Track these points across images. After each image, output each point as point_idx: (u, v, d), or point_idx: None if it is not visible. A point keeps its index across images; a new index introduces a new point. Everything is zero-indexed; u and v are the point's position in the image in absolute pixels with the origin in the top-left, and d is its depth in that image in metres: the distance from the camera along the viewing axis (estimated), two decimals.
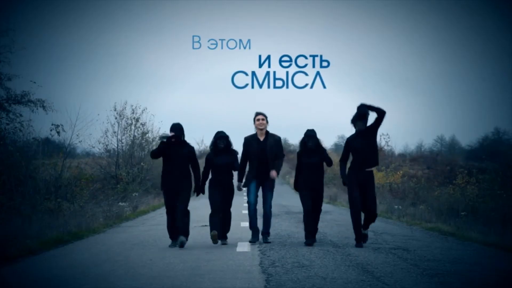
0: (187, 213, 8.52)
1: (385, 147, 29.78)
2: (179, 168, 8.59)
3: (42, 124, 20.26)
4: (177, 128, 8.66)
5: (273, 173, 8.64)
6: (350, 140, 8.74)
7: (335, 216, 14.64)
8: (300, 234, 9.70)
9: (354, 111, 8.72)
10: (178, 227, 8.42)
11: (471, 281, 5.79)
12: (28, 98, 15.58)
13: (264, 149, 8.75)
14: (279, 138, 9.00)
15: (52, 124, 14.90)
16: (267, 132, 8.92)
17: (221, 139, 8.76)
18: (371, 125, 8.66)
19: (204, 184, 8.84)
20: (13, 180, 12.98)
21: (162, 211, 18.10)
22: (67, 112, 17.40)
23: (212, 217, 8.59)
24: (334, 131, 64.93)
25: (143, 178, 22.75)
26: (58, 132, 14.94)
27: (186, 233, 8.43)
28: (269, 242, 8.67)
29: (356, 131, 8.67)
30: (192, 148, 8.79)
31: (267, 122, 8.92)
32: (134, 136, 23.77)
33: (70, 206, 13.32)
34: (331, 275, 6.01)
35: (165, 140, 8.54)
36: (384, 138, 29.18)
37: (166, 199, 8.74)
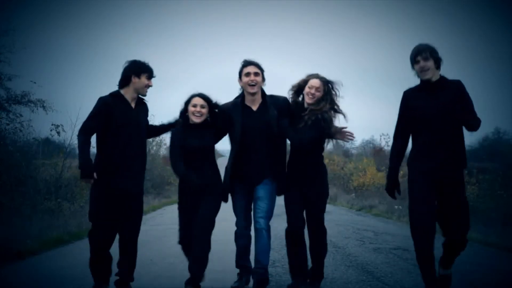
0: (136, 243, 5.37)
1: (385, 147, 29.77)
2: (134, 149, 5.03)
3: (42, 124, 20.32)
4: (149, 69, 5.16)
5: None
6: (409, 95, 4.91)
7: (335, 216, 14.62)
8: None
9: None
10: (122, 270, 5.28)
11: (471, 281, 5.78)
12: (28, 98, 15.58)
13: (262, 126, 5.11)
14: (285, 99, 5.28)
15: (52, 124, 14.90)
16: (264, 95, 5.22)
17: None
18: (457, 88, 4.78)
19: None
20: (13, 180, 12.97)
21: (162, 211, 18.13)
22: (67, 112, 17.45)
23: (184, 243, 5.32)
24: None
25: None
26: (58, 132, 14.92)
27: (131, 277, 5.35)
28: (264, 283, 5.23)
29: (421, 81, 4.87)
30: (147, 107, 5.30)
31: (263, 78, 5.18)
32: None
33: (70, 206, 13.32)
34: (331, 275, 6.01)
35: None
36: (384, 138, 29.12)
37: (100, 211, 5.04)
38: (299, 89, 5.31)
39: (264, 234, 5.10)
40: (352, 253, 7.71)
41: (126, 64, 5.09)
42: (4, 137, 14.09)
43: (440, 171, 4.66)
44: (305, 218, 5.21)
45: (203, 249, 5.08)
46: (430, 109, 4.73)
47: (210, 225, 5.15)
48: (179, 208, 5.35)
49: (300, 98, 5.35)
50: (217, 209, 5.22)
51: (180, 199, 5.36)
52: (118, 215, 5.06)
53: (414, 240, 4.67)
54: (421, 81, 4.85)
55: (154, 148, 26.44)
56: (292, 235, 5.17)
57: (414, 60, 4.83)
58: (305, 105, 5.21)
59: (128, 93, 5.08)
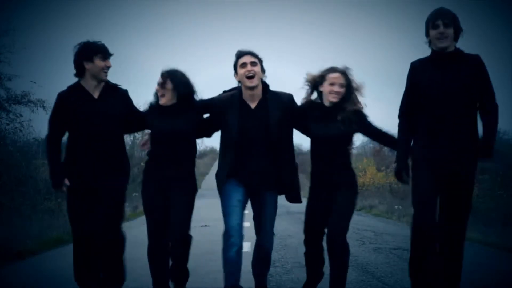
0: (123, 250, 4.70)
1: (385, 147, 29.86)
2: (104, 142, 4.35)
3: (42, 124, 20.27)
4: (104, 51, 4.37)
5: None
6: (416, 67, 4.24)
7: None
8: (300, 235, 9.68)
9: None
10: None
11: (471, 281, 5.78)
12: (28, 98, 15.57)
13: (260, 128, 4.28)
14: (290, 96, 4.46)
15: None
16: (265, 89, 4.37)
17: (176, 83, 4.43)
18: (475, 64, 4.13)
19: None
20: (13, 180, 12.98)
21: None
22: None
23: (152, 251, 4.72)
24: None
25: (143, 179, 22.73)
26: None
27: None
28: None
29: (432, 51, 4.20)
30: (127, 94, 4.52)
31: (262, 70, 4.34)
32: (134, 136, 23.69)
33: None
34: None
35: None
36: None
37: (74, 216, 4.62)
38: (314, 85, 4.46)
39: (269, 253, 4.73)
40: (352, 253, 7.65)
41: (75, 50, 4.34)
42: (4, 137, 14.10)
43: (447, 161, 4.10)
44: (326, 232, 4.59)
45: (180, 263, 4.88)
46: (440, 84, 4.06)
47: (185, 228, 4.66)
48: (144, 196, 4.67)
49: (313, 97, 4.52)
50: (192, 201, 4.57)
51: (143, 185, 4.64)
52: (90, 215, 4.48)
53: (411, 241, 4.29)
54: (433, 51, 4.19)
55: None
56: (311, 244, 4.74)
57: (432, 24, 4.12)
58: (327, 104, 4.38)
59: (87, 83, 4.36)
